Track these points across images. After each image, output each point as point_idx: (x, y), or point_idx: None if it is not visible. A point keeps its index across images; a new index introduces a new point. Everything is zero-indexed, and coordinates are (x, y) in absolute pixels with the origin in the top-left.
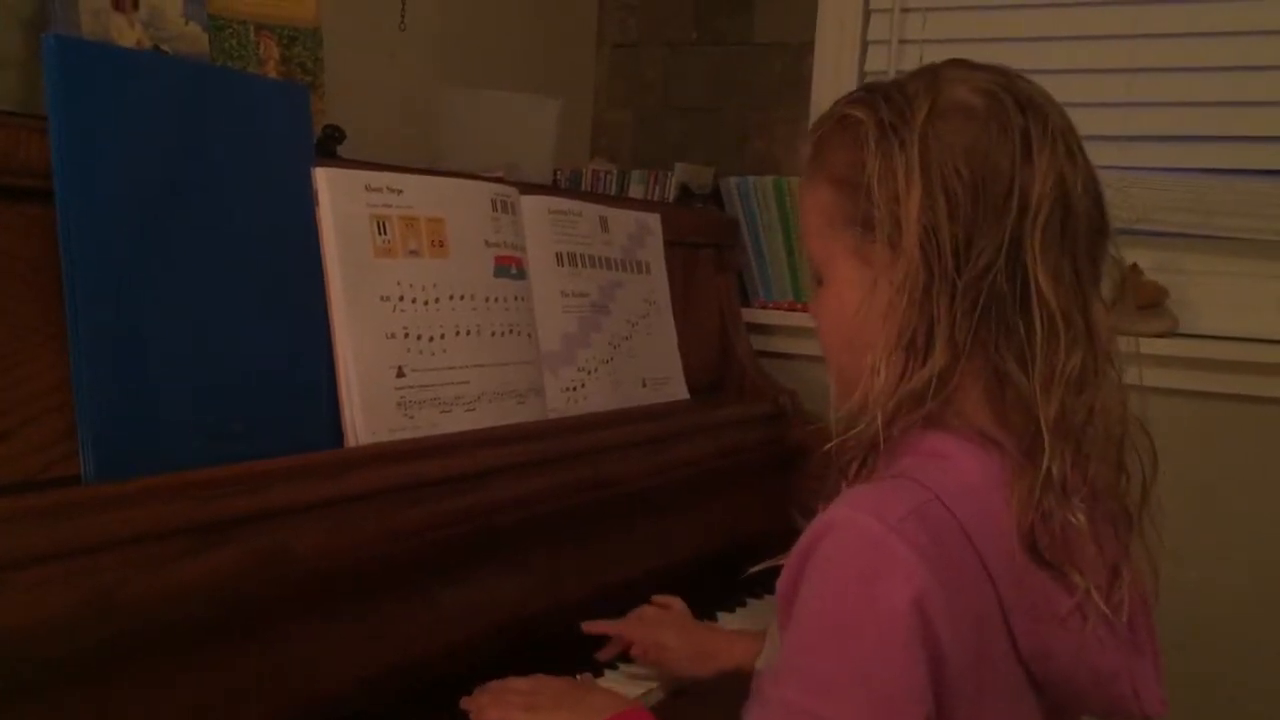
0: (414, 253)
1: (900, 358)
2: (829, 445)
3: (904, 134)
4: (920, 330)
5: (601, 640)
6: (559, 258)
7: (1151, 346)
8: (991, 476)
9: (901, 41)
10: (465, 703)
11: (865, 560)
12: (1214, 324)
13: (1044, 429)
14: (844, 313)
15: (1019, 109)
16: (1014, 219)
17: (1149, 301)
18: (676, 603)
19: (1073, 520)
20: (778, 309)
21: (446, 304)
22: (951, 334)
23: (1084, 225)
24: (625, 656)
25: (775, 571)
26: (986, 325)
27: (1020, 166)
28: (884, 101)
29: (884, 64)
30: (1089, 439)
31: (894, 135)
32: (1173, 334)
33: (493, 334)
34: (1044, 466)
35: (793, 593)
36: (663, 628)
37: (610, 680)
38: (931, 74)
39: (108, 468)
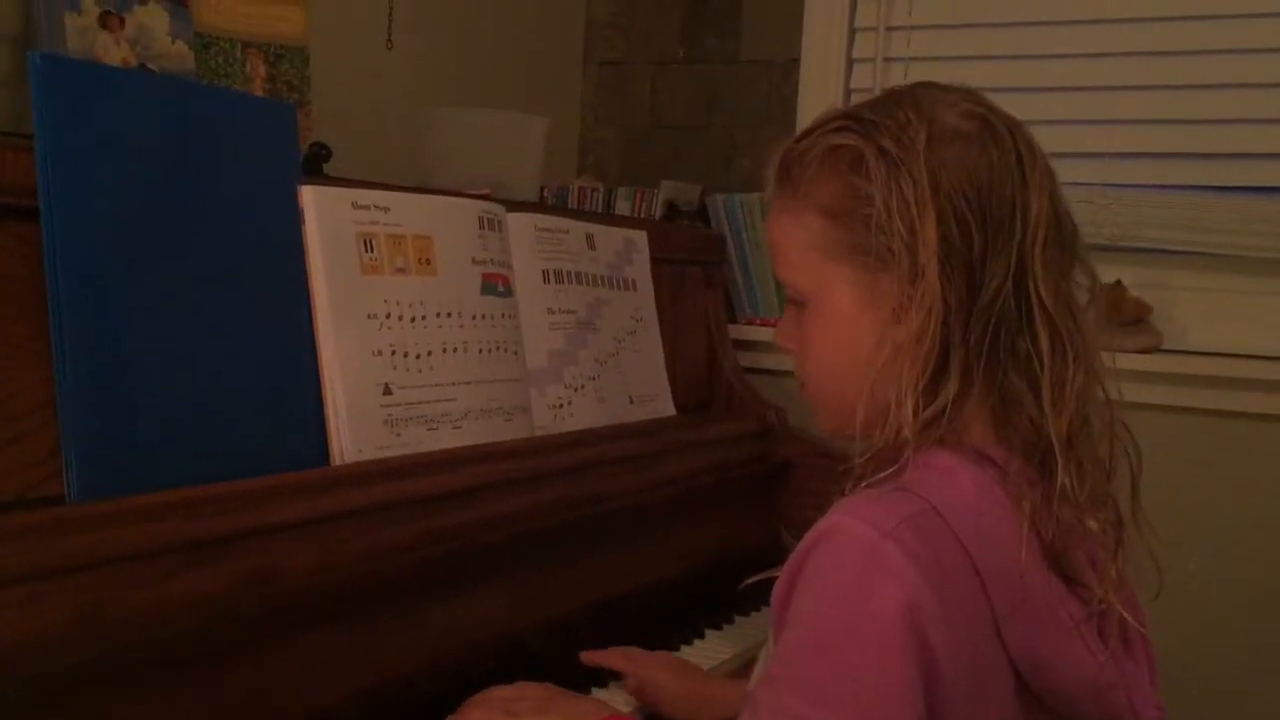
0: (401, 270)
1: (923, 387)
2: (854, 482)
3: (910, 163)
4: (938, 358)
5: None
6: (546, 275)
7: (1136, 363)
8: (989, 492)
9: (886, 59)
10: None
11: (860, 566)
12: (1198, 340)
13: (1056, 444)
14: (841, 342)
15: (1008, 131)
16: (1019, 241)
17: (1133, 318)
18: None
19: (1089, 527)
20: (765, 325)
21: (433, 321)
22: (966, 359)
23: (1067, 240)
24: (616, 673)
25: (764, 588)
26: (996, 347)
27: (1018, 188)
28: (877, 129)
29: (869, 81)
30: (1086, 449)
31: (901, 165)
32: (1157, 350)
33: (480, 351)
34: (1059, 481)
35: (787, 600)
36: (659, 667)
37: (602, 696)
38: (912, 99)
39: (92, 486)
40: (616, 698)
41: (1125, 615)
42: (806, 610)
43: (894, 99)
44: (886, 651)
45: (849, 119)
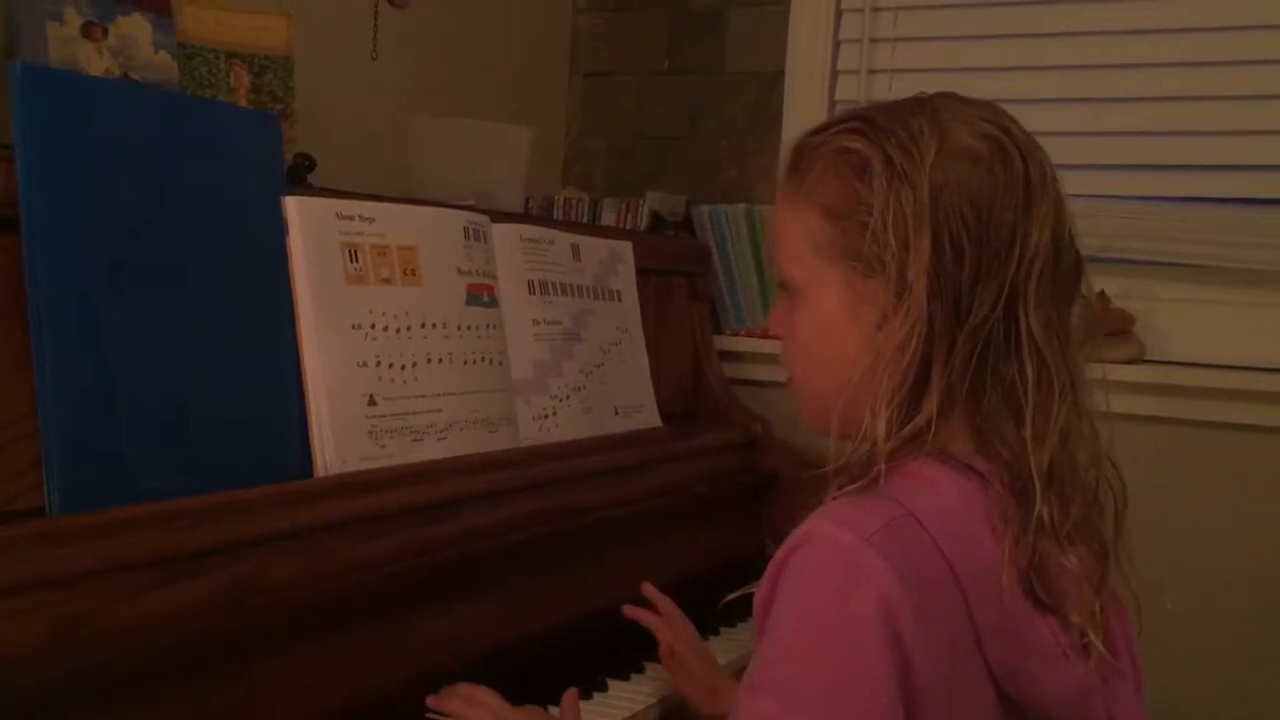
0: (386, 280)
1: (899, 402)
2: (833, 493)
3: (914, 176)
4: (918, 375)
5: (580, 670)
6: (531, 285)
7: (1119, 373)
8: (971, 503)
9: (871, 71)
10: (433, 701)
11: (838, 571)
12: (1181, 351)
13: (1035, 476)
14: (823, 339)
15: (1020, 156)
16: (1013, 270)
17: (1116, 329)
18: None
19: (1067, 563)
20: (750, 336)
21: (418, 332)
22: (948, 381)
23: (1066, 272)
24: (602, 685)
25: (751, 598)
26: (981, 373)
27: (1021, 217)
28: (888, 137)
29: (854, 93)
30: (1071, 483)
31: (904, 177)
32: (1140, 361)
33: (464, 362)
34: (1036, 513)
35: (769, 605)
36: (694, 654)
37: (591, 707)
38: (930, 110)
39: (73, 499)
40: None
41: (1112, 631)
42: (784, 615)
43: (913, 107)
44: (865, 656)
45: (863, 122)
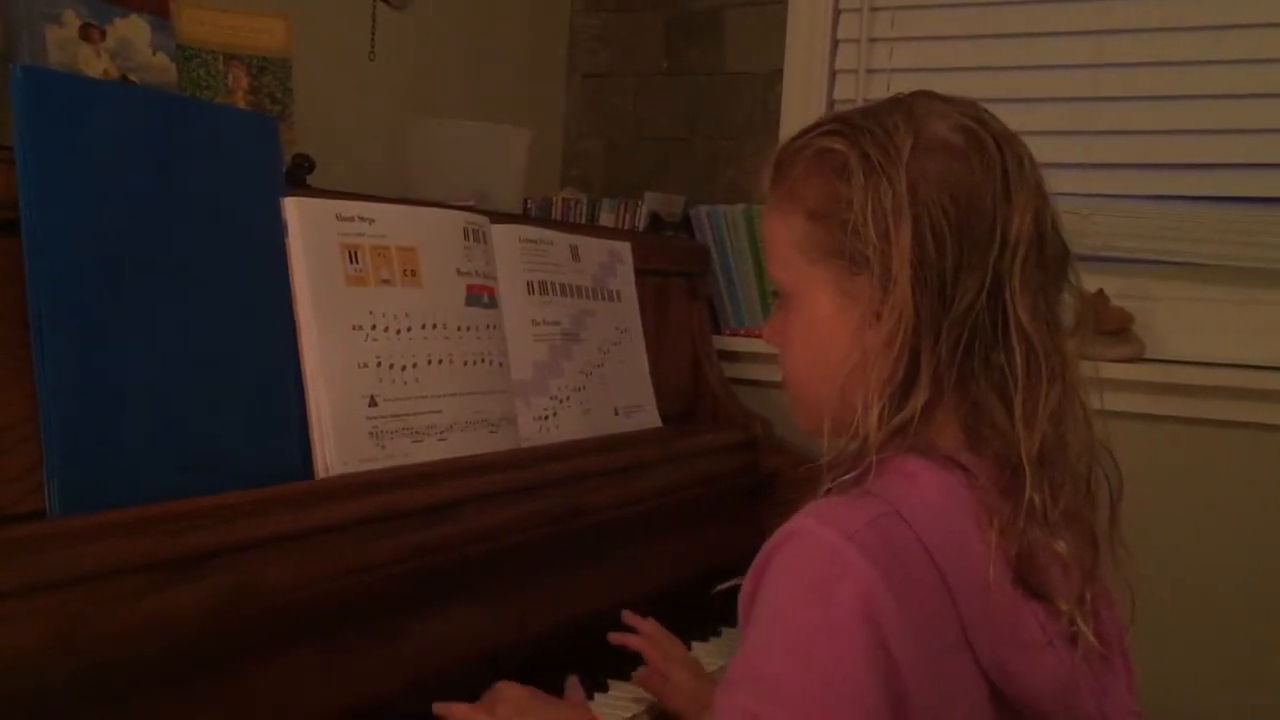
0: (386, 282)
1: (890, 394)
2: (826, 487)
3: (891, 171)
4: (907, 366)
5: (582, 670)
6: (530, 286)
7: (1118, 372)
8: (956, 498)
9: (869, 71)
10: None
11: (821, 568)
12: (1180, 349)
13: (1026, 461)
14: (818, 342)
15: (996, 146)
16: (995, 257)
17: (1115, 327)
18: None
19: (1057, 549)
20: (749, 336)
21: (418, 333)
22: (936, 370)
23: (1052, 260)
24: (601, 685)
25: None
26: (968, 361)
27: (1000, 204)
28: (865, 135)
29: (852, 93)
30: (1062, 468)
31: (881, 172)
32: (1139, 359)
33: (465, 363)
34: (1026, 498)
35: (753, 601)
36: (678, 665)
37: (593, 707)
38: (906, 107)
39: (74, 501)
40: (602, 709)
41: (1103, 623)
42: (769, 611)
43: (889, 106)
44: (847, 652)
45: (841, 123)
